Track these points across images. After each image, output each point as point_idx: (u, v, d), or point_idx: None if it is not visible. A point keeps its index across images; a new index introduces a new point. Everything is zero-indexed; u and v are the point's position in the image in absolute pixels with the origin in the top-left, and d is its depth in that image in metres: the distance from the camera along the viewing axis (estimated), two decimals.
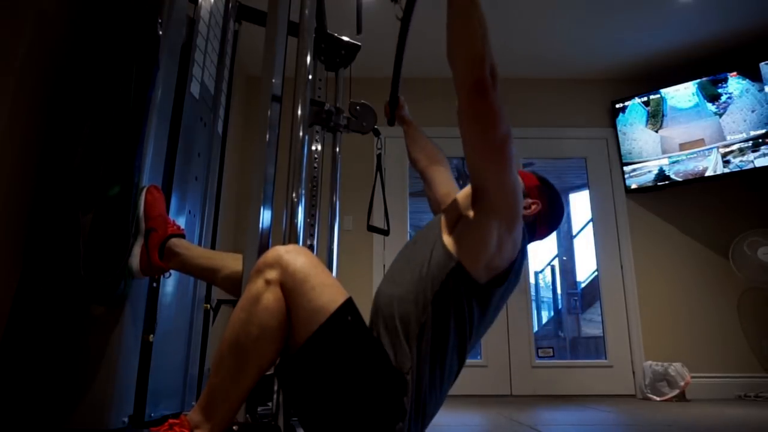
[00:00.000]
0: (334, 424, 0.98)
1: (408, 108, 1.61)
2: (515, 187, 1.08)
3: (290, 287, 0.96)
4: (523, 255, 1.17)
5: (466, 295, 1.08)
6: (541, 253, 4.81)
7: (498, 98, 1.00)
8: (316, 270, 0.99)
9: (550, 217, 1.27)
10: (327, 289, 0.98)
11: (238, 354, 0.95)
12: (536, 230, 1.26)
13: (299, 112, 1.26)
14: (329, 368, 0.96)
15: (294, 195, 1.22)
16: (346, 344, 0.98)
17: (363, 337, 1.01)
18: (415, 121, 1.59)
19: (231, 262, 1.27)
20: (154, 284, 1.40)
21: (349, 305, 0.99)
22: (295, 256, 0.98)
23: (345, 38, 1.94)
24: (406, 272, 1.13)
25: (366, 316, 1.08)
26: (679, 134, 3.68)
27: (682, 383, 3.14)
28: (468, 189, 1.17)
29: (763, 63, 3.43)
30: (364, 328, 1.02)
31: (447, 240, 1.12)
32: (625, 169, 3.82)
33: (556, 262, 4.95)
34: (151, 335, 1.35)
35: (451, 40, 1.04)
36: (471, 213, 1.11)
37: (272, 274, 0.96)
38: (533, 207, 1.22)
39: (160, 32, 1.35)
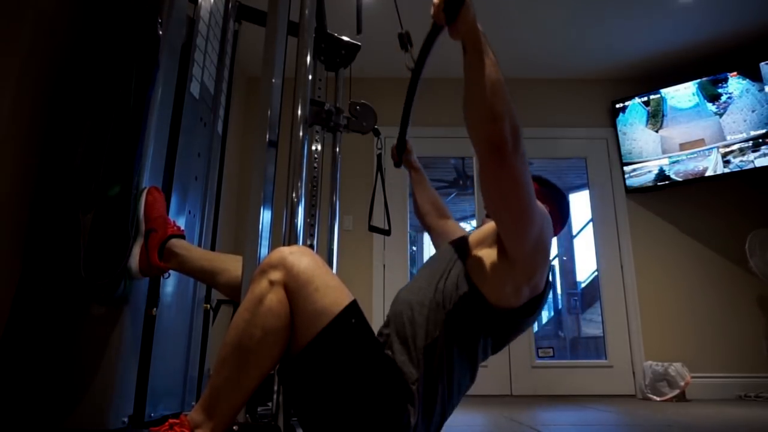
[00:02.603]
0: (336, 426, 0.97)
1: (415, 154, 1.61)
2: (536, 248, 1.04)
3: (294, 289, 0.95)
4: (547, 292, 1.15)
5: (483, 320, 1.08)
6: None
7: (521, 162, 0.93)
8: (320, 271, 0.99)
9: (559, 214, 1.29)
10: (331, 291, 0.98)
11: (240, 355, 0.94)
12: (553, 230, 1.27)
13: (299, 112, 1.26)
14: (332, 371, 0.96)
15: (294, 195, 1.22)
16: (349, 347, 0.97)
17: (367, 340, 1.01)
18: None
19: (231, 265, 1.26)
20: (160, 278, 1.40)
21: (353, 308, 0.99)
22: (299, 257, 0.98)
23: (345, 38, 1.94)
24: (427, 282, 1.14)
25: (369, 317, 1.08)
26: (679, 134, 3.68)
27: (682, 383, 3.14)
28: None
29: (763, 63, 3.43)
30: (369, 332, 1.02)
31: (469, 264, 1.11)
32: (625, 169, 3.82)
33: (556, 262, 4.95)
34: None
35: (465, 99, 0.96)
36: (495, 251, 1.08)
37: (276, 275, 0.96)
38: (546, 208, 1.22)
39: (160, 32, 1.35)
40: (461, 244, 1.19)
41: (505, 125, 0.91)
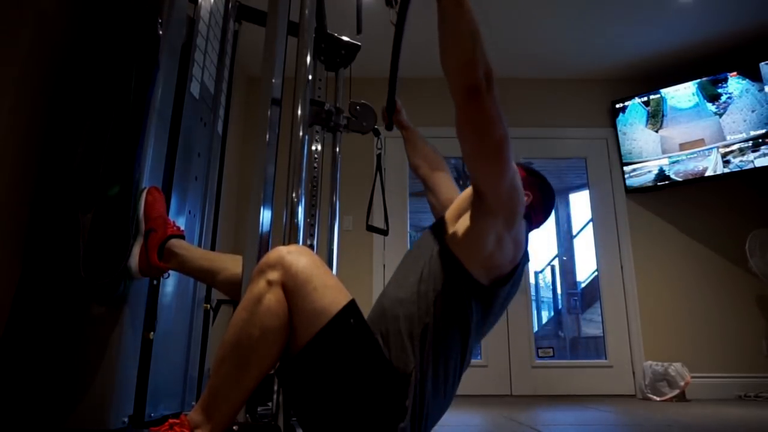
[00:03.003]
0: (335, 425, 0.97)
1: (406, 111, 1.61)
2: (513, 189, 1.07)
3: (292, 288, 0.96)
4: (525, 256, 1.18)
5: (468, 295, 1.08)
6: (541, 253, 4.80)
7: (494, 102, 0.98)
8: (318, 271, 0.99)
9: (543, 204, 1.30)
10: (329, 290, 0.98)
11: (239, 355, 0.94)
12: (532, 219, 1.28)
13: (299, 112, 1.26)
14: (331, 370, 0.96)
15: (294, 195, 1.22)
16: (348, 347, 0.97)
17: (365, 339, 1.01)
18: (413, 125, 1.59)
19: (230, 264, 1.26)
20: (155, 282, 1.40)
21: (351, 307, 0.99)
22: (297, 257, 0.98)
23: (345, 38, 1.94)
24: (410, 274, 1.14)
25: (368, 316, 1.08)
26: (679, 134, 3.68)
27: (682, 383, 3.14)
28: (469, 190, 1.18)
29: (763, 63, 3.43)
30: (367, 331, 1.02)
31: (448, 240, 1.13)
32: (625, 169, 3.82)
33: (556, 262, 4.95)
34: (152, 333, 1.34)
35: (441, 46, 1.01)
36: (469, 213, 1.11)
37: (274, 275, 0.96)
38: (526, 198, 1.23)
39: (160, 32, 1.35)
40: (438, 227, 1.21)
41: (480, 70, 0.96)
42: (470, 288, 1.08)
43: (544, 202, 1.30)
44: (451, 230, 1.15)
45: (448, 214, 1.21)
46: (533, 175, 1.31)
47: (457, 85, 0.99)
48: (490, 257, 1.09)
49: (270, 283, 0.96)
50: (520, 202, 1.10)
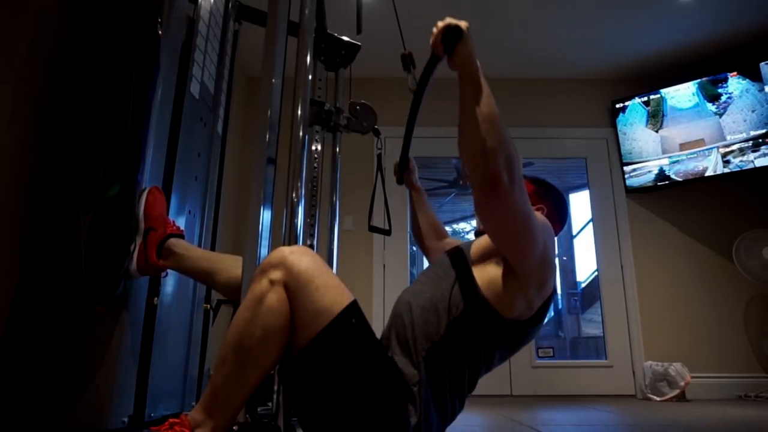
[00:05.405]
0: (336, 425, 0.97)
1: (417, 170, 1.60)
2: (542, 259, 1.05)
3: (294, 288, 0.96)
4: (552, 295, 1.17)
5: (490, 330, 1.08)
6: None
7: (516, 192, 0.93)
8: (320, 271, 0.99)
9: (558, 214, 1.29)
10: (331, 290, 0.98)
11: (240, 354, 0.94)
12: None
13: (299, 112, 1.26)
14: (332, 370, 0.96)
15: (294, 195, 1.21)
16: (349, 347, 0.97)
17: (367, 340, 1.01)
18: (423, 189, 1.58)
19: (229, 265, 1.26)
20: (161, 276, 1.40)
21: (353, 308, 0.99)
22: (299, 257, 0.98)
23: (345, 38, 1.94)
24: (428, 289, 1.14)
25: (369, 317, 1.08)
26: (679, 134, 3.68)
27: (682, 383, 3.14)
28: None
29: (763, 63, 3.43)
30: (369, 331, 1.02)
31: (477, 277, 1.11)
32: (625, 169, 3.82)
33: (556, 262, 4.95)
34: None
35: (460, 131, 0.96)
36: (502, 268, 1.09)
37: (276, 275, 0.96)
38: (540, 212, 1.22)
39: (160, 32, 1.35)
40: (461, 254, 1.19)
41: (499, 159, 0.91)
42: (494, 324, 1.08)
43: (559, 211, 1.29)
44: (479, 268, 1.13)
45: (475, 251, 1.17)
46: (542, 186, 1.30)
47: (475, 175, 0.94)
48: (519, 311, 1.09)
49: (272, 282, 0.96)
50: (551, 265, 1.09)
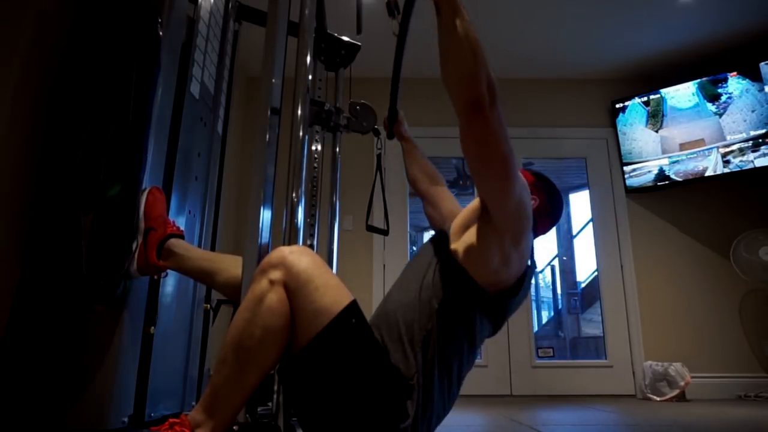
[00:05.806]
0: (336, 425, 0.97)
1: (407, 122, 1.61)
2: (520, 206, 1.06)
3: (294, 288, 0.96)
4: (530, 267, 1.17)
5: (474, 305, 1.08)
6: (541, 253, 4.81)
7: (497, 117, 0.96)
8: (320, 271, 0.99)
9: (550, 210, 1.29)
10: (331, 290, 0.98)
11: (240, 354, 0.94)
12: (538, 225, 1.26)
13: (299, 112, 1.26)
14: (332, 370, 0.96)
15: (294, 195, 1.22)
16: (349, 347, 0.97)
17: (366, 339, 1.01)
18: (413, 138, 1.59)
19: (229, 265, 1.26)
20: (155, 277, 1.40)
21: (353, 307, 0.99)
22: (299, 257, 0.98)
23: (345, 38, 1.94)
24: (411, 283, 1.14)
25: (369, 317, 1.08)
26: (679, 134, 3.68)
27: (682, 383, 3.14)
28: (476, 202, 1.18)
29: (763, 63, 3.43)
30: (368, 331, 1.02)
31: (454, 251, 1.12)
32: (625, 169, 3.82)
33: (556, 262, 4.95)
34: (152, 327, 1.34)
35: (442, 60, 0.99)
36: (476, 227, 1.10)
37: (276, 275, 0.96)
38: (532, 203, 1.22)
39: (160, 32, 1.35)
40: (442, 238, 1.20)
41: (482, 83, 0.94)
42: (477, 299, 1.08)
43: (550, 207, 1.28)
44: (456, 242, 1.14)
45: (454, 226, 1.20)
46: (541, 180, 1.30)
47: (459, 100, 0.98)
48: (495, 273, 1.09)
49: (272, 282, 0.96)
50: (528, 219, 1.09)
